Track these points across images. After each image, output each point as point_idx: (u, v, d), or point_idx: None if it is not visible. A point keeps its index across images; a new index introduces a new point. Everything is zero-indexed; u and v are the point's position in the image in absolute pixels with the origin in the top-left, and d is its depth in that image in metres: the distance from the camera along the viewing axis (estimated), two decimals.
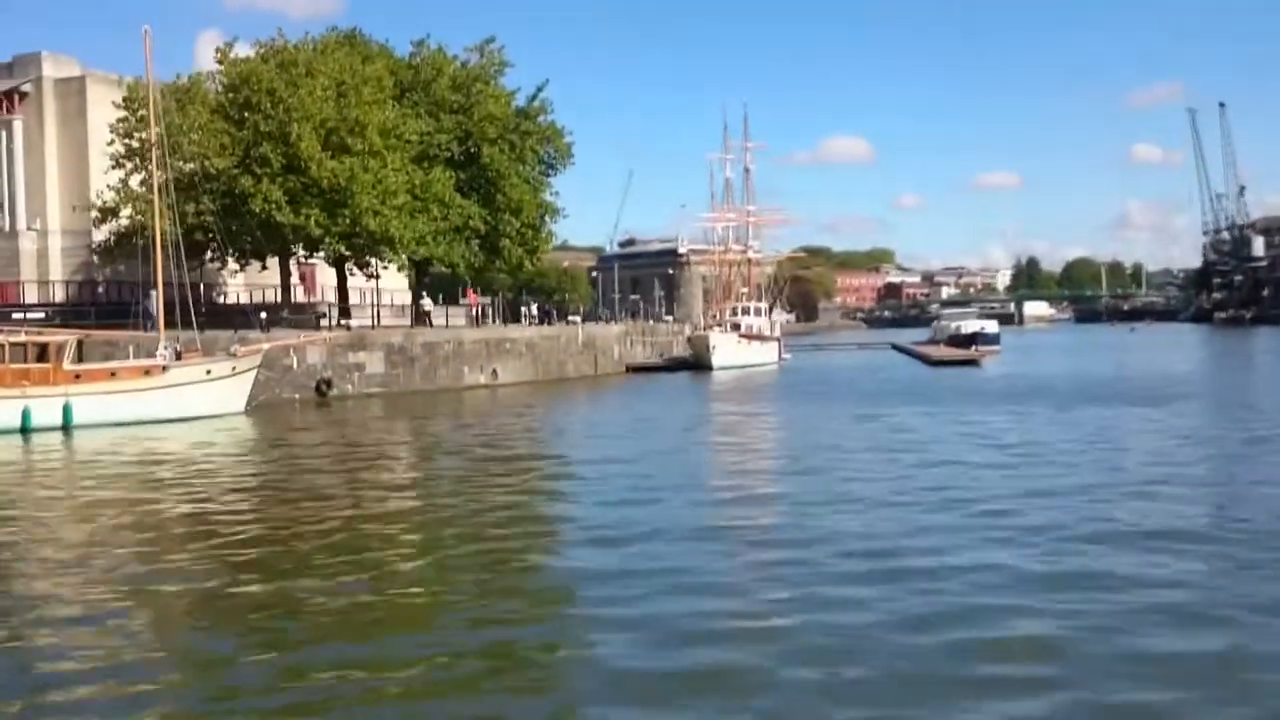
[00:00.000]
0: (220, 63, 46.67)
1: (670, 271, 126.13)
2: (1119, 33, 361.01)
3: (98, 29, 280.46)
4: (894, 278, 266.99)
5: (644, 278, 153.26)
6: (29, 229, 53.89)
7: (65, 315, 45.33)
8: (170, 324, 37.85)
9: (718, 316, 69.59)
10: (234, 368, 35.51)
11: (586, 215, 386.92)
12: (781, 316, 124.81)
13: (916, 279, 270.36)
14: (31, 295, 51.60)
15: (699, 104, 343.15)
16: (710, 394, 44.80)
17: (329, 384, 41.75)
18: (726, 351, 58.82)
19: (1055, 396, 35.59)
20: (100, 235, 47.13)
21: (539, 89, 53.62)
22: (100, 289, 52.56)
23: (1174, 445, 22.70)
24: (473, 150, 50.72)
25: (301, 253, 49.51)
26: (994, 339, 74.27)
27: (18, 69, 55.50)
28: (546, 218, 53.72)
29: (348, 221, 44.15)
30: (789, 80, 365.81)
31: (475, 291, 62.42)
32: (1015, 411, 30.98)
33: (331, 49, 48.09)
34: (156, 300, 43.37)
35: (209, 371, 34.86)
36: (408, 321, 54.26)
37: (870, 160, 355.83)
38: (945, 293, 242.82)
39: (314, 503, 18.24)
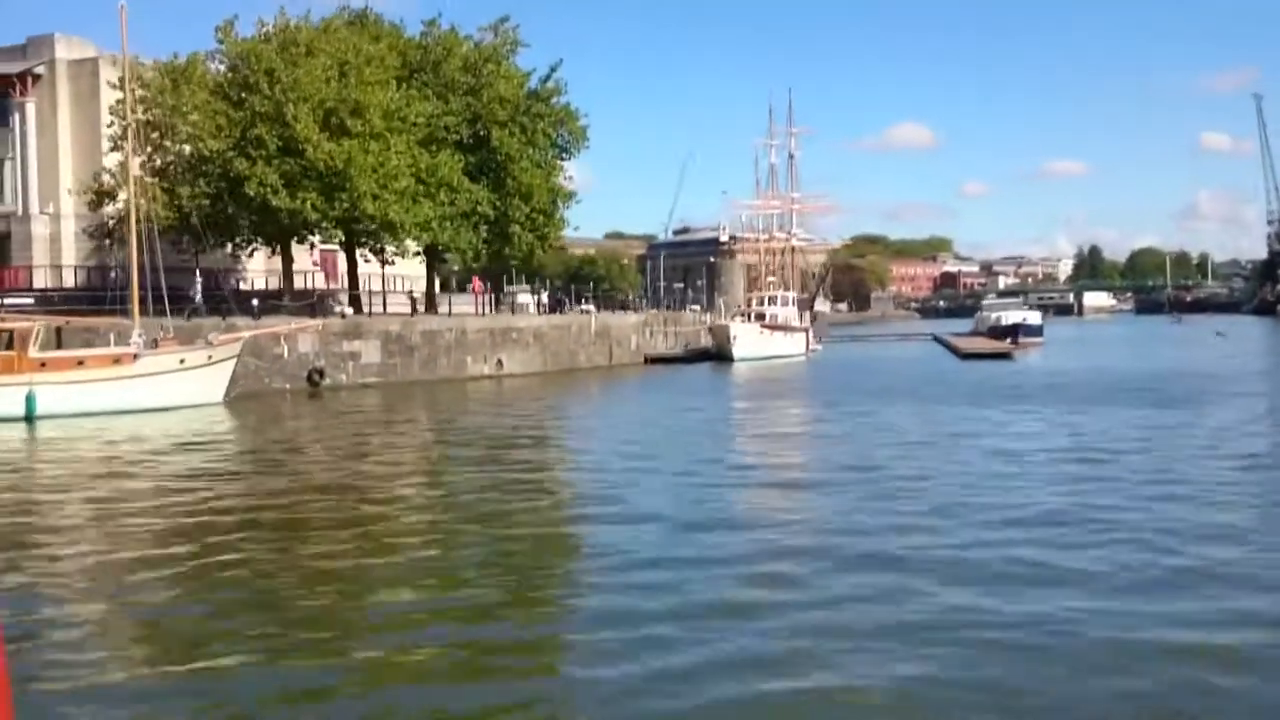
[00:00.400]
0: (220, 42, 45.49)
1: (712, 260, 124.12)
2: (1190, 17, 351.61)
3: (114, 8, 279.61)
4: (951, 267, 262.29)
5: (694, 266, 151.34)
6: (42, 213, 53.25)
7: (75, 301, 44.64)
8: (158, 311, 36.95)
9: (743, 306, 67.53)
10: (210, 356, 34.27)
11: (642, 203, 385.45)
12: (825, 306, 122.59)
13: (975, 268, 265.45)
14: (43, 280, 51.07)
15: (760, 91, 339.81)
16: (709, 389, 42.66)
17: (321, 374, 40.47)
18: (748, 342, 56.73)
19: (1070, 395, 33.25)
20: (99, 219, 46.27)
21: (552, 69, 51.88)
22: (113, 274, 51.89)
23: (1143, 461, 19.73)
24: (482, 133, 49.11)
25: (315, 238, 48.34)
26: (1036, 330, 71.39)
27: (31, 51, 54.86)
28: (559, 203, 51.93)
29: (345, 206, 42.77)
30: (853, 67, 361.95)
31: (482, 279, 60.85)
32: (1015, 411, 28.80)
33: (335, 28, 46.68)
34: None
35: (183, 360, 33.63)
36: (410, 311, 52.98)
37: (935, 147, 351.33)
38: (1003, 282, 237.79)
39: (239, 502, 17.08)
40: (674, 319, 65.52)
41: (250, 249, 49.25)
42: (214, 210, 43.50)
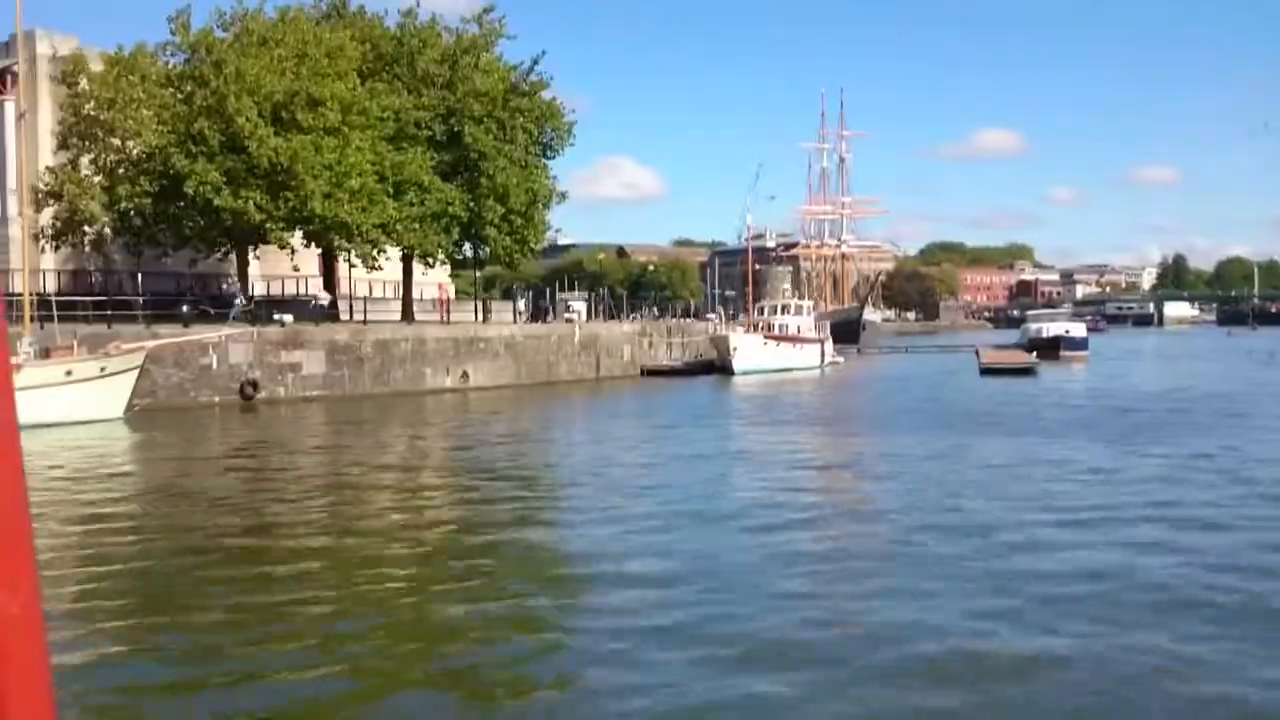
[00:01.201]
0: (174, 33, 42.98)
1: (758, 266, 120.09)
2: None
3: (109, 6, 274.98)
4: (1029, 275, 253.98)
5: (755, 274, 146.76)
6: (20, 215, 51.34)
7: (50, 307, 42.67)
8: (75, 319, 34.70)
9: (751, 315, 63.49)
10: (103, 368, 31.43)
11: (717, 209, 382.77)
12: (876, 315, 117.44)
13: (1054, 276, 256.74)
14: (19, 285, 49.23)
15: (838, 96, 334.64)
16: (673, 406, 38.65)
17: (255, 386, 37.54)
18: (749, 354, 52.68)
19: (1043, 423, 28.97)
20: (43, 220, 44.05)
21: (535, 61, 48.36)
22: (91, 279, 49.96)
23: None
24: (456, 129, 45.89)
25: (295, 240, 45.64)
26: (1080, 344, 66.19)
27: (11, 48, 53.14)
28: (540, 204, 48.34)
29: (291, 205, 39.91)
30: (939, 73, 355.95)
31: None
32: (949, 441, 24.76)
33: (294, 18, 43.87)
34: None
35: (69, 372, 30.83)
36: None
37: (1021, 153, 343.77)
38: (1081, 291, 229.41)
39: None
40: (683, 328, 61.64)
41: (220, 252, 46.65)
42: (156, 211, 41.09)
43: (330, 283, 49.66)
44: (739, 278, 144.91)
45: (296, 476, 21.79)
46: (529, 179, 47.21)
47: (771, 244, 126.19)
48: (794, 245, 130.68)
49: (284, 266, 49.32)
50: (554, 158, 49.80)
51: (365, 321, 44.20)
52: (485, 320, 53.51)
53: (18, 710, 1.30)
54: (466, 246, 50.40)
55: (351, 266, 53.95)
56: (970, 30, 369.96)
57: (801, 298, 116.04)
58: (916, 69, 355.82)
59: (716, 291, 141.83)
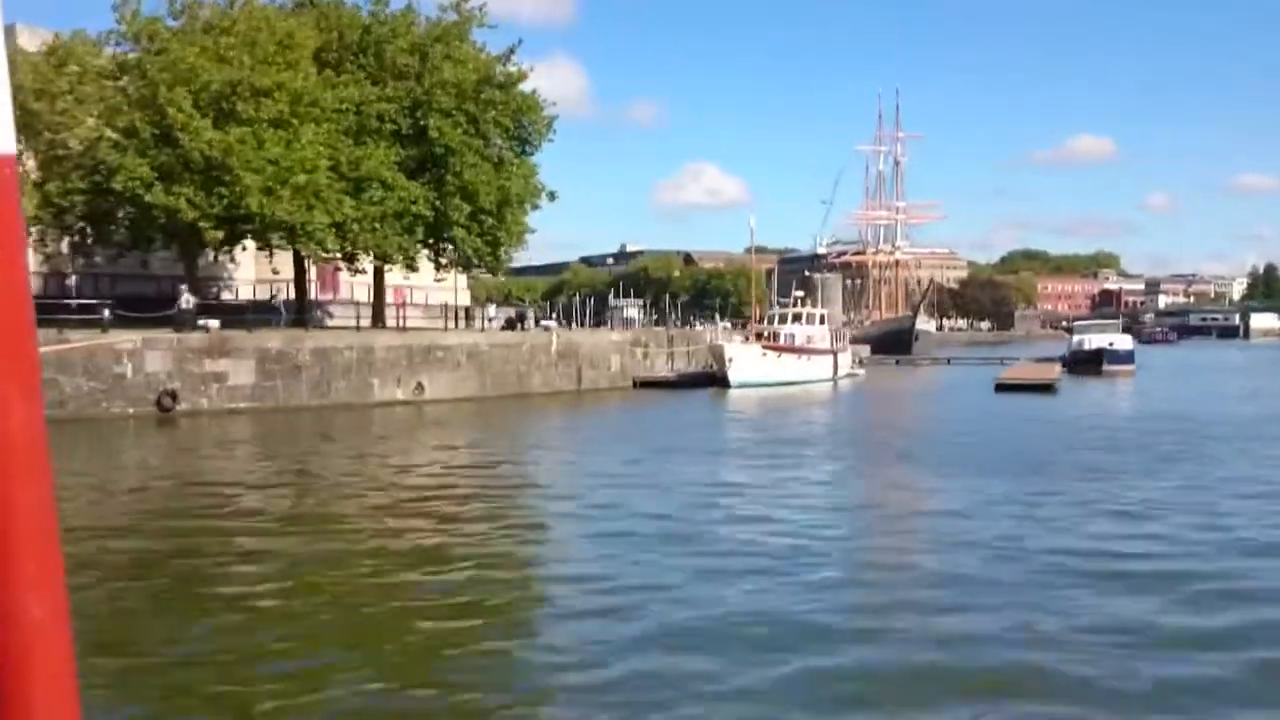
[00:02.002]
0: (120, 20, 40.56)
1: (806, 273, 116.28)
2: None
3: None
4: (1112, 284, 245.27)
5: (805, 281, 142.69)
6: None
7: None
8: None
9: (754, 324, 59.52)
10: None
11: (791, 215, 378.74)
12: (931, 324, 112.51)
13: (1139, 286, 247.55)
14: None
15: (916, 102, 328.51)
16: (629, 426, 35.18)
17: (174, 397, 34.72)
18: (745, 366, 48.65)
19: (992, 458, 24.73)
20: None
21: (511, 50, 45.04)
22: (70, 280, 48.10)
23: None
24: (423, 123, 42.83)
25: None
26: (1125, 357, 60.97)
27: None
28: (514, 203, 44.85)
29: (225, 202, 37.15)
30: (1032, 79, 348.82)
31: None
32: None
33: (249, 4, 41.20)
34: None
35: None
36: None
37: (1115, 160, 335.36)
38: (1165, 301, 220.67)
39: None
40: (690, 338, 57.87)
41: (213, 253, 44.28)
42: (90, 209, 38.73)
43: (301, 286, 46.87)
44: (798, 284, 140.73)
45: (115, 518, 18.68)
46: (502, 176, 43.92)
47: (822, 250, 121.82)
48: (844, 252, 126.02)
49: (267, 270, 46.91)
50: (533, 154, 46.46)
51: (306, 327, 41.23)
52: (469, 327, 50.44)
53: (44, 714, 1.33)
54: (451, 248, 47.40)
55: (336, 270, 51.40)
56: (1064, 34, 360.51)
57: (855, 308, 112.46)
58: (1009, 74, 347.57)
59: (776, 298, 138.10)
